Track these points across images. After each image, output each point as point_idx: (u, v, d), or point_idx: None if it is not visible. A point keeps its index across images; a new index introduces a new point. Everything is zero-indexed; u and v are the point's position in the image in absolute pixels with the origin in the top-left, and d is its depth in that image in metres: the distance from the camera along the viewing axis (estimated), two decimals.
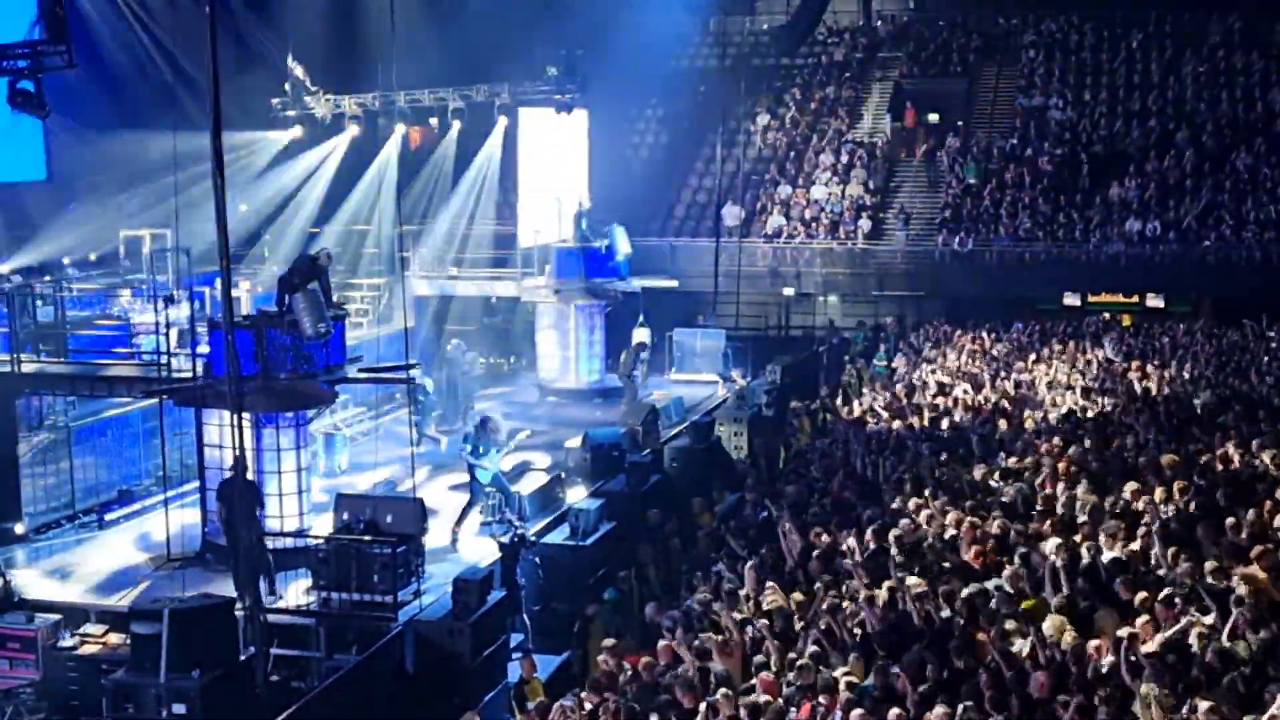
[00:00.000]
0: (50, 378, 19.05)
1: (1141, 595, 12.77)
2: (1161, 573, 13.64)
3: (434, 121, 33.04)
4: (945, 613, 13.26)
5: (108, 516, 19.07)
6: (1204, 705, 10.28)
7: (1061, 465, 17.69)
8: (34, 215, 27.31)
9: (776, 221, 38.56)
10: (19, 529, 18.21)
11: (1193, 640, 11.70)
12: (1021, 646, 12.13)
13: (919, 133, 41.67)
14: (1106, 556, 14.17)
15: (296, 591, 15.39)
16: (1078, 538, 14.75)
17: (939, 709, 10.87)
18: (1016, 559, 14.29)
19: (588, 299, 28.45)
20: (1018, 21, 45.17)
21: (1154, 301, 35.18)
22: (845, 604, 13.72)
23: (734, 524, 18.01)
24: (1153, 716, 10.50)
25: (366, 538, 15.22)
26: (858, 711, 11.10)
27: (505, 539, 16.70)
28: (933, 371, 27.36)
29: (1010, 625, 12.58)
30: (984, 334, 31.24)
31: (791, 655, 12.63)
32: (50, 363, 19.43)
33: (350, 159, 32.28)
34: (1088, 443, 19.21)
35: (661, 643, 13.49)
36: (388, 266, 29.48)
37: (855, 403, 25.67)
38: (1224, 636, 11.70)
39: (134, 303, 22.85)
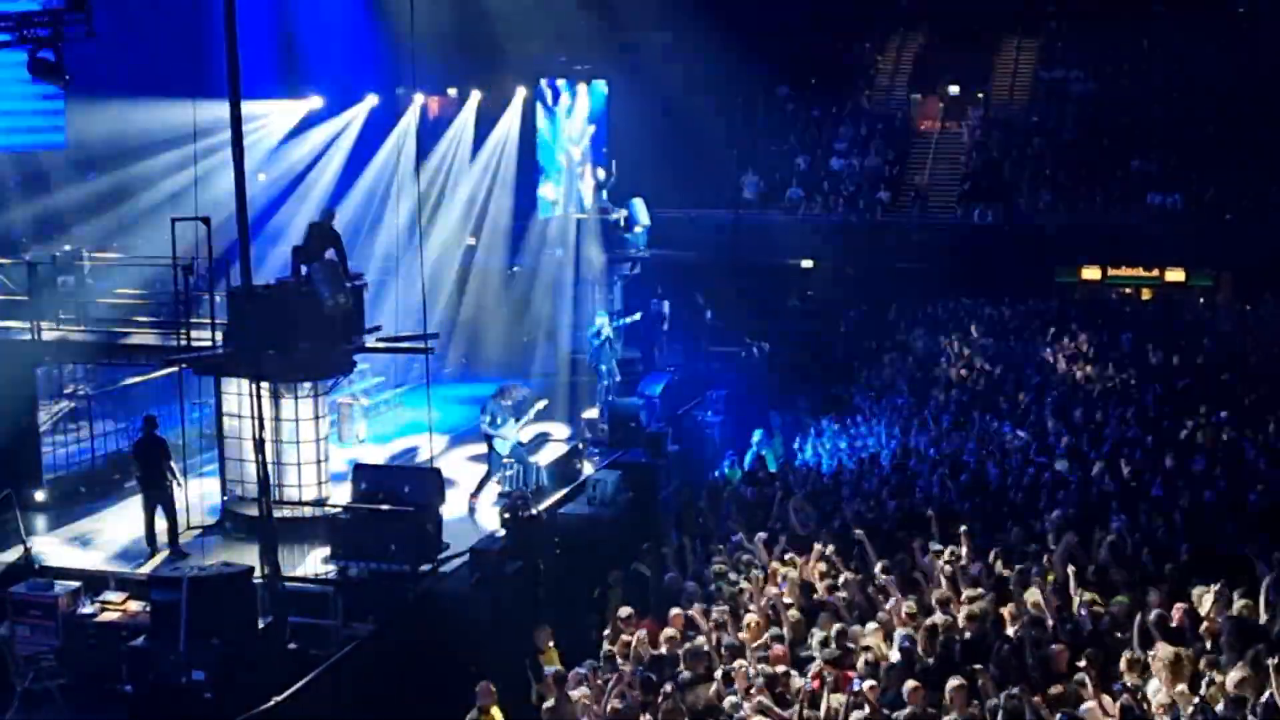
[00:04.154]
0: (70, 346, 19.07)
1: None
2: None
3: (453, 91, 32.91)
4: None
5: (128, 485, 19.13)
6: (1233, 674, 10.31)
7: None
8: (54, 184, 27.30)
9: (795, 193, 38.42)
10: (40, 496, 18.29)
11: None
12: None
13: (939, 105, 41.44)
14: None
15: (315, 560, 15.44)
16: None
17: (954, 680, 10.88)
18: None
19: (606, 270, 28.39)
20: None
21: (1174, 275, 35.02)
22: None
23: (749, 497, 18.03)
24: (1170, 681, 10.51)
25: (385, 507, 15.27)
26: (871, 682, 11.12)
27: (506, 513, 16.50)
28: (950, 343, 27.35)
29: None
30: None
31: (814, 631, 12.64)
32: (70, 331, 19.46)
33: (368, 129, 32.16)
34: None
35: (677, 612, 13.50)
36: (406, 237, 29.38)
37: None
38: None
39: (153, 271, 22.83)
